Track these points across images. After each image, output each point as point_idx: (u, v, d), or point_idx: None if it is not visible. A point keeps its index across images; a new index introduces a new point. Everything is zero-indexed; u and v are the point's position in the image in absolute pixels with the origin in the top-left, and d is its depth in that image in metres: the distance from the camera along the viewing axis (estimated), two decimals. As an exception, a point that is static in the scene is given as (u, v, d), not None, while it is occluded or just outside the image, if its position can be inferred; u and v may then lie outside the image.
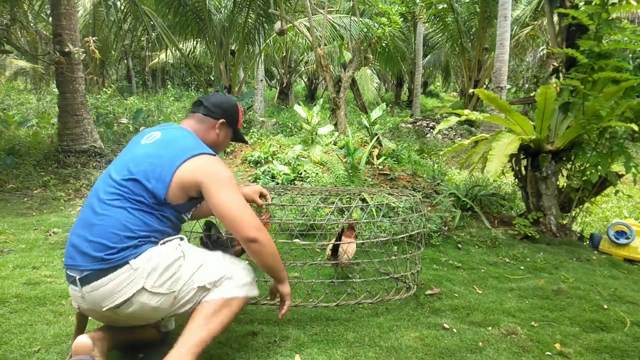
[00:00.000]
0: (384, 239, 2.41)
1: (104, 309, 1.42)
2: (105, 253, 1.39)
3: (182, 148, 1.52)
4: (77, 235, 1.47)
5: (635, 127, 2.80)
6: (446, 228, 3.49)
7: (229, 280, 1.52)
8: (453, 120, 3.22)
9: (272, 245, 1.57)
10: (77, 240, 1.45)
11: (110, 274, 1.39)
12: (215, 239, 2.18)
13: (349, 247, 2.27)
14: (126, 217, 1.43)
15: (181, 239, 1.53)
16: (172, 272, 1.44)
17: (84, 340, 1.48)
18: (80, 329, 1.60)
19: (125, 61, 16.90)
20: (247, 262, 1.70)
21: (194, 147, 1.53)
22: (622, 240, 3.25)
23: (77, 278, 1.42)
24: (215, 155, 1.57)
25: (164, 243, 1.49)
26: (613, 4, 3.07)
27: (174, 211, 1.53)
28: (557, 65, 3.84)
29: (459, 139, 10.47)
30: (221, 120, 1.73)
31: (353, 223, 2.40)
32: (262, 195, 2.01)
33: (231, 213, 1.48)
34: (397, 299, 2.18)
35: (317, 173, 4.80)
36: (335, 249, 2.31)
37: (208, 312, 1.46)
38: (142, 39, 13.25)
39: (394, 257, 2.46)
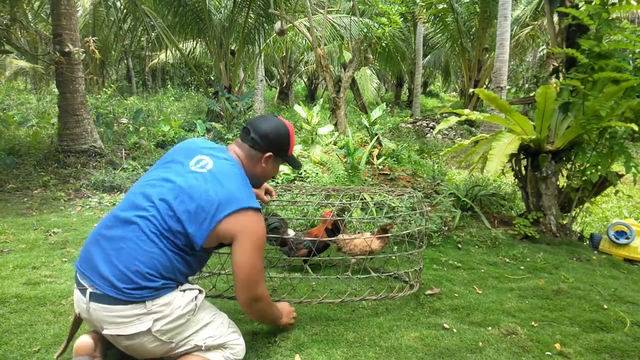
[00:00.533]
0: (385, 235, 2.41)
1: (104, 332, 1.40)
2: (125, 286, 1.36)
3: (229, 196, 1.46)
4: (100, 246, 1.42)
5: (635, 127, 2.80)
6: (446, 228, 3.49)
7: (224, 351, 1.53)
8: (453, 120, 3.22)
9: (262, 314, 1.67)
10: (99, 253, 1.41)
11: (122, 305, 1.36)
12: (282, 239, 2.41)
13: (361, 242, 2.31)
14: (159, 256, 1.40)
15: (200, 291, 1.52)
16: (179, 323, 1.44)
17: (86, 340, 1.48)
18: (75, 329, 1.59)
19: (125, 61, 16.90)
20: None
21: (241, 198, 1.47)
22: (622, 240, 3.25)
23: (88, 290, 1.39)
24: (258, 209, 1.52)
25: (184, 290, 1.48)
26: (613, 4, 3.07)
27: (204, 253, 1.55)
28: (557, 65, 3.83)
29: (459, 139, 10.46)
30: (267, 154, 1.64)
31: (388, 226, 2.42)
32: (267, 192, 2.03)
33: (244, 274, 1.49)
34: (401, 296, 2.19)
35: (317, 173, 4.80)
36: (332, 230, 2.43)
37: None
38: (142, 39, 13.25)
39: (395, 256, 2.46)
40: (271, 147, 1.64)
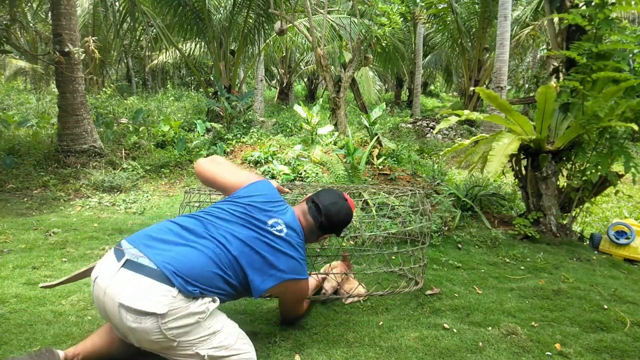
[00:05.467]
0: (383, 233, 2.41)
1: (116, 300, 1.37)
2: (174, 272, 1.41)
3: (289, 268, 1.64)
4: (161, 240, 1.51)
5: (635, 127, 2.79)
6: (446, 228, 3.49)
7: None
8: (453, 120, 3.22)
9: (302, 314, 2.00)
10: (162, 244, 1.49)
11: (154, 280, 1.39)
12: None
13: (345, 283, 2.23)
14: (214, 280, 1.50)
15: (214, 300, 1.52)
16: (187, 322, 1.42)
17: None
18: (78, 278, 1.72)
19: (125, 61, 16.90)
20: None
21: (298, 270, 1.67)
22: (622, 240, 3.25)
23: (127, 258, 1.43)
24: (305, 277, 1.72)
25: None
26: (613, 4, 3.06)
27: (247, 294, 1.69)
28: (557, 65, 3.83)
29: (459, 139, 10.46)
30: (325, 236, 1.86)
31: (346, 255, 2.36)
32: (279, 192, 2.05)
33: (290, 317, 1.94)
34: (407, 291, 2.22)
35: (317, 173, 4.81)
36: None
37: None
38: (142, 39, 13.24)
39: (395, 251, 2.45)
40: (332, 229, 1.82)
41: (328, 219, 1.75)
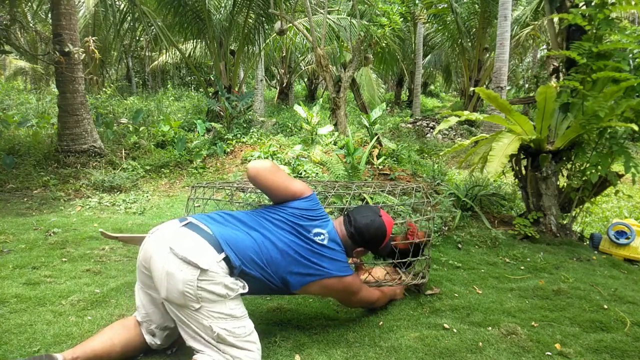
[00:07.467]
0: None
1: (168, 245, 1.52)
2: (227, 242, 1.57)
3: (332, 266, 1.75)
4: (219, 222, 1.68)
5: (635, 127, 2.79)
6: (446, 228, 3.49)
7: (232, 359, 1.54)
8: (453, 120, 3.21)
9: (382, 302, 2.11)
10: (220, 224, 1.66)
11: (207, 242, 1.54)
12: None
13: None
14: (255, 264, 1.62)
15: (244, 287, 1.60)
16: (217, 291, 1.51)
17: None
18: (132, 240, 1.91)
19: (125, 61, 16.89)
20: None
21: (341, 268, 1.78)
22: (622, 240, 3.25)
23: (189, 221, 1.63)
24: (350, 274, 1.81)
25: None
26: (613, 4, 3.06)
27: (284, 288, 1.75)
28: (557, 65, 3.83)
29: (459, 139, 10.46)
30: (358, 249, 1.88)
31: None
32: None
33: (353, 306, 2.05)
34: (414, 283, 2.24)
35: (317, 173, 4.81)
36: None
37: None
38: (142, 39, 13.23)
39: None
40: (364, 244, 1.87)
41: (357, 230, 1.83)
